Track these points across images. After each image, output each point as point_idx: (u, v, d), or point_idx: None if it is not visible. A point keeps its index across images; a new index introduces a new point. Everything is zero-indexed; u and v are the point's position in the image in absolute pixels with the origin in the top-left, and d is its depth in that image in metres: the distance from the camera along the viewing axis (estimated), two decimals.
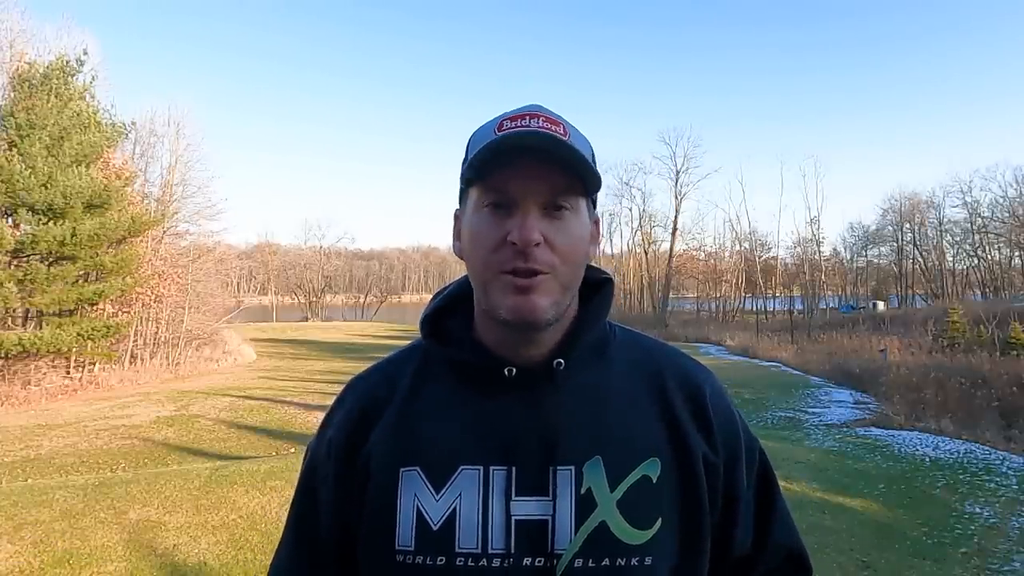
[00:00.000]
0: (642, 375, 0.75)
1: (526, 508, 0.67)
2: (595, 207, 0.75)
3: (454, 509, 0.68)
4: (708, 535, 0.72)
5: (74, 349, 14.08)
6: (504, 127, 0.69)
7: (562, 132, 0.69)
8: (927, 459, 7.17)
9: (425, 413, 0.73)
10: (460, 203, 0.75)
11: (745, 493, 0.76)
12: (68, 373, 14.69)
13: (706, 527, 0.72)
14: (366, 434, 0.74)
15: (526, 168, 0.66)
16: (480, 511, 0.67)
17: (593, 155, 0.73)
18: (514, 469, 0.68)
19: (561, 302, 0.69)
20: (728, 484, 0.74)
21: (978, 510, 5.41)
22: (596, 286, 0.78)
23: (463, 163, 0.74)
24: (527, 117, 0.69)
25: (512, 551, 0.66)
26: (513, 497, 0.67)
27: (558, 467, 0.68)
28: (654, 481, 0.69)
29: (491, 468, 0.68)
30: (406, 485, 0.70)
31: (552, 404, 0.71)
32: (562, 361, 0.71)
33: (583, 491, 0.68)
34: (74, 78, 14.74)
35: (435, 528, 0.67)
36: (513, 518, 0.67)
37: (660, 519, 0.69)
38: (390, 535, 0.69)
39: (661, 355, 0.79)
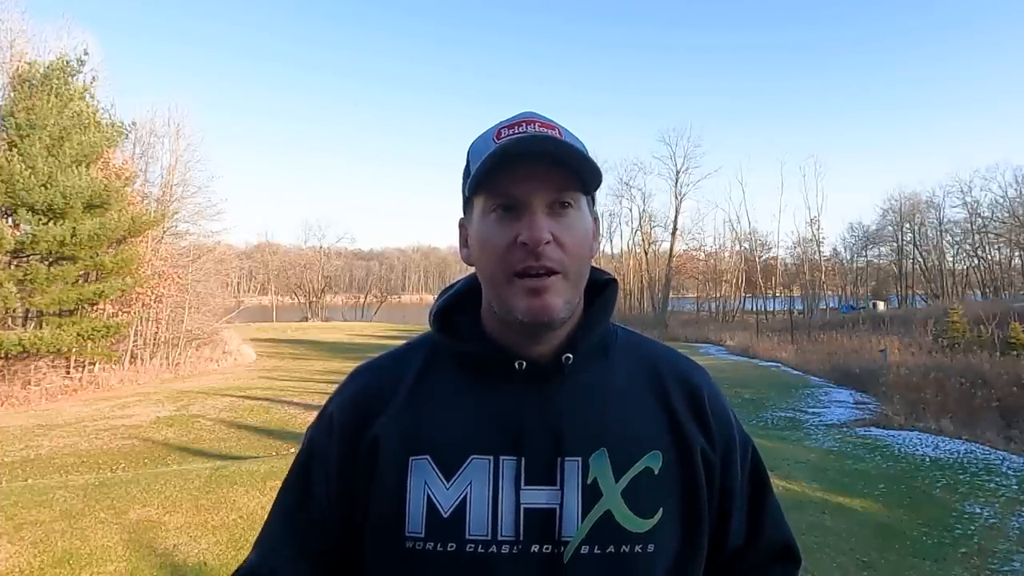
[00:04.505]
0: (643, 374, 0.79)
1: (535, 497, 0.70)
2: (594, 204, 0.78)
3: (465, 497, 0.70)
4: (706, 525, 0.75)
5: (74, 349, 14.05)
6: (503, 135, 0.72)
7: (557, 134, 0.72)
8: (927, 459, 7.17)
9: (434, 403, 0.75)
10: (465, 213, 0.78)
11: (739, 488, 0.80)
12: (68, 373, 14.67)
13: (704, 518, 0.75)
14: (371, 419, 0.75)
15: (529, 170, 0.69)
16: (490, 499, 0.70)
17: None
18: (523, 459, 0.71)
19: (572, 300, 0.72)
20: (724, 478, 0.78)
21: (978, 510, 5.41)
22: (600, 287, 0.80)
23: (464, 174, 0.76)
24: (523, 124, 0.72)
25: (521, 538, 0.69)
26: (522, 486, 0.70)
27: (566, 458, 0.71)
28: (656, 473, 0.73)
29: (501, 458, 0.71)
30: (416, 473, 0.71)
31: (560, 398, 0.74)
32: (571, 356, 0.73)
33: (589, 481, 0.71)
34: (74, 78, 14.71)
35: (445, 515, 0.69)
36: (522, 506, 0.69)
37: (662, 509, 0.72)
38: (399, 522, 0.70)
39: (661, 356, 0.83)
